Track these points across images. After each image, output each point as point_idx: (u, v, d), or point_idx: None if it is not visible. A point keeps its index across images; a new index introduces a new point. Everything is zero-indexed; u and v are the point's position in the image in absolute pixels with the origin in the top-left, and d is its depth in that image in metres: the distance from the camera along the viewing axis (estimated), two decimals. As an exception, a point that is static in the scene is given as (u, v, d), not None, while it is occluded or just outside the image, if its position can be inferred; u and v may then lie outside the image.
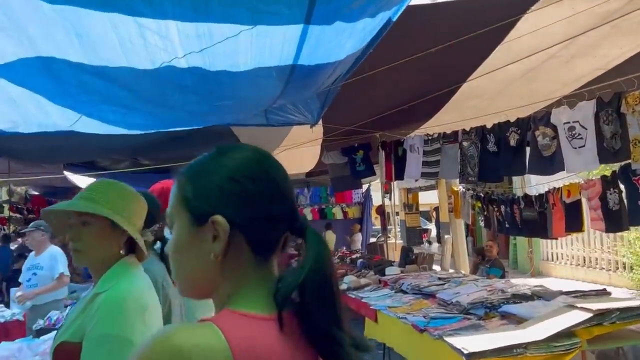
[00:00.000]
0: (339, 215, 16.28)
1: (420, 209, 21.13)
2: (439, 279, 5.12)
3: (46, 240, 5.57)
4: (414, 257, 6.68)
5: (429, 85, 5.69)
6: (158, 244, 2.14)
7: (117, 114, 3.43)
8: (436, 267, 8.18)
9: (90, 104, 3.16)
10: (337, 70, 3.45)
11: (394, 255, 13.86)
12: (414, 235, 19.80)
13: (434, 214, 18.91)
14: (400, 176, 7.51)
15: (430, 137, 6.89)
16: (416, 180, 10.66)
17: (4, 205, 9.98)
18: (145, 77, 2.65)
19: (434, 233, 19.93)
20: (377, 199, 17.17)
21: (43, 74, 2.44)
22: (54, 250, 5.58)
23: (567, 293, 3.95)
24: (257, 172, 0.88)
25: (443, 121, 6.82)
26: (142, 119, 3.96)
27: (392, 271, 6.14)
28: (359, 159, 8.28)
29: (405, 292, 4.98)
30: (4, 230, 9.57)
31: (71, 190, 12.93)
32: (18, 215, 10.11)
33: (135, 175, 9.14)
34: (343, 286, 5.85)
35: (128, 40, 2.23)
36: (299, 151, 8.40)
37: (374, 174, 8.38)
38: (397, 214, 23.15)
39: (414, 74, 5.13)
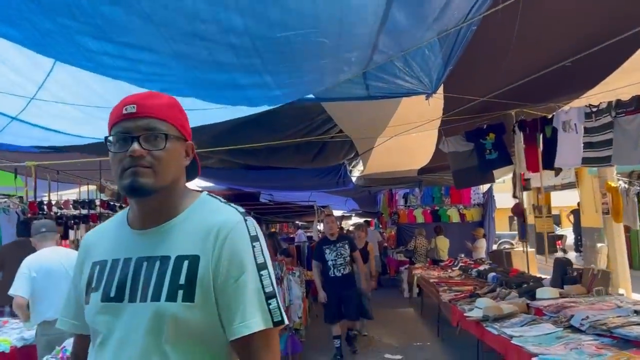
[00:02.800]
0: (455, 217, 14.29)
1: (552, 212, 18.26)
2: (636, 312, 3.31)
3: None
4: (575, 273, 4.81)
5: (598, 33, 3.90)
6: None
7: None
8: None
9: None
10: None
11: (524, 266, 11.72)
12: (544, 242, 17.05)
13: (571, 217, 16.03)
14: (549, 164, 5.66)
15: (595, 109, 4.99)
16: (556, 175, 8.60)
17: (96, 201, 9.66)
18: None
19: (570, 240, 16.97)
20: (500, 200, 14.95)
21: None
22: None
23: None
24: None
25: (614, 87, 4.90)
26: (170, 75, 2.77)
27: (546, 294, 4.37)
28: (490, 144, 6.52)
29: (580, 331, 3.26)
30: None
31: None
32: (110, 212, 9.77)
33: (218, 170, 8.30)
34: (475, 313, 4.23)
35: None
36: (410, 139, 6.86)
37: (510, 162, 6.56)
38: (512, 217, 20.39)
39: (577, 16, 3.43)
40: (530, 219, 18.81)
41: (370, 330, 7.28)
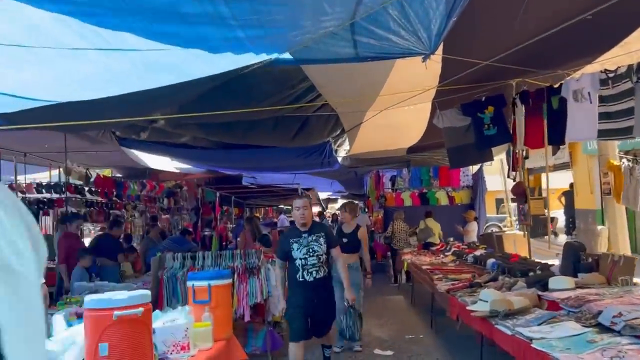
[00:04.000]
0: (443, 200, 13.73)
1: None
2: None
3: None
4: (590, 260, 4.26)
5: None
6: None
7: None
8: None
9: None
10: None
11: (515, 249, 11.27)
12: (537, 225, 16.67)
13: (563, 199, 15.66)
14: (556, 139, 5.10)
15: (612, 74, 4.40)
16: (553, 154, 8.09)
17: (62, 184, 8.88)
18: None
19: (561, 223, 16.64)
20: (491, 182, 14.47)
21: None
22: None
23: None
24: None
25: (637, 49, 4.32)
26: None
27: (560, 284, 3.82)
28: (488, 118, 5.93)
29: (610, 330, 2.70)
30: (61, 213, 8.53)
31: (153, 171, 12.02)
32: (78, 197, 9.03)
33: (195, 151, 7.61)
34: (480, 307, 3.67)
35: None
36: (401, 115, 6.25)
37: (510, 139, 5.98)
38: (514, 199, 20.02)
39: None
40: (520, 201, 18.52)
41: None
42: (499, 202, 24.57)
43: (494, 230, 17.28)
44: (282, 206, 25.86)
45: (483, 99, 5.94)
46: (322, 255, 4.45)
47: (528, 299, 3.64)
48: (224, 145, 7.39)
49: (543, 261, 5.28)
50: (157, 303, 4.78)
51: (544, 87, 5.19)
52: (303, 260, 4.40)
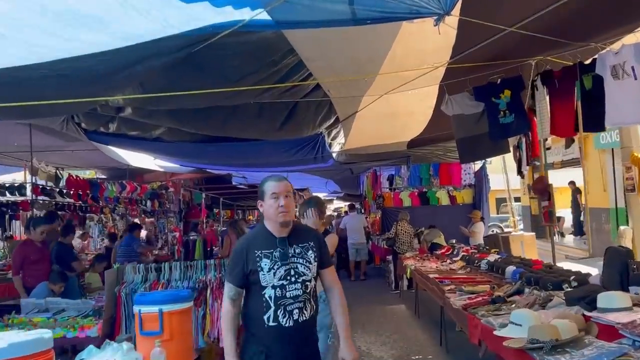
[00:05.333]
0: (444, 200, 12.88)
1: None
2: None
3: None
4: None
5: None
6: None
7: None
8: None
9: None
10: None
11: (524, 251, 10.49)
12: (541, 224, 15.86)
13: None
14: (594, 124, 4.29)
15: (663, 43, 3.60)
16: (567, 147, 7.32)
17: (26, 186, 8.02)
18: None
19: (568, 222, 15.88)
20: (494, 181, 13.68)
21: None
22: None
23: None
24: None
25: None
26: None
27: (615, 302, 3.00)
28: (504, 104, 5.12)
29: None
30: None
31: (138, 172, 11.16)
32: (46, 199, 8.15)
33: (172, 145, 6.76)
34: (513, 332, 2.86)
35: None
36: (403, 101, 5.44)
37: (529, 127, 5.19)
38: (518, 199, 19.22)
39: None
40: (525, 199, 17.72)
41: (356, 337, 5.88)
42: (500, 201, 23.89)
43: (496, 232, 16.53)
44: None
45: (498, 81, 5.14)
46: (310, 280, 2.55)
47: (573, 320, 2.83)
48: (203, 139, 6.55)
49: (574, 268, 4.48)
50: (114, 328, 3.95)
51: (577, 63, 4.38)
52: (278, 289, 2.46)
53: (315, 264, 2.58)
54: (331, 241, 4.06)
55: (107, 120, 5.79)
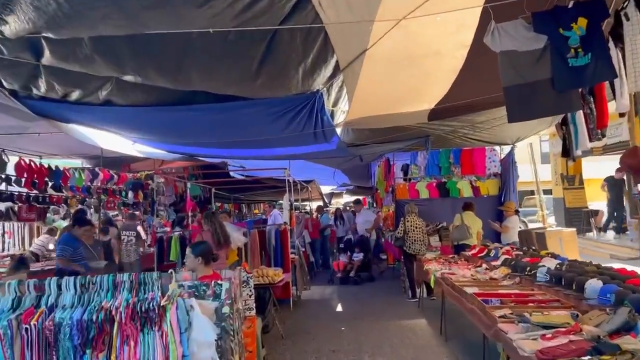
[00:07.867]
0: (466, 191, 11.07)
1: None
2: None
3: None
4: None
5: None
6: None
7: None
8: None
9: None
10: None
11: (563, 250, 8.79)
12: (577, 218, 14.06)
13: (606, 188, 13.07)
14: None
15: None
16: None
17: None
18: None
19: (605, 217, 14.02)
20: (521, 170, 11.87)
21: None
22: None
23: None
24: None
25: None
26: None
27: None
28: (576, 39, 3.44)
29: None
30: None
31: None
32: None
33: (129, 111, 5.11)
34: None
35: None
36: (427, 30, 3.78)
37: (614, 74, 3.51)
38: (548, 192, 17.34)
39: None
40: (557, 191, 15.90)
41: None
42: (522, 194, 22.06)
43: (521, 227, 14.77)
44: (279, 201, 23.38)
45: (570, 4, 3.47)
46: None
47: None
48: (168, 102, 4.92)
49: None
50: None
51: None
52: None
53: None
54: None
55: (30, 73, 4.17)
